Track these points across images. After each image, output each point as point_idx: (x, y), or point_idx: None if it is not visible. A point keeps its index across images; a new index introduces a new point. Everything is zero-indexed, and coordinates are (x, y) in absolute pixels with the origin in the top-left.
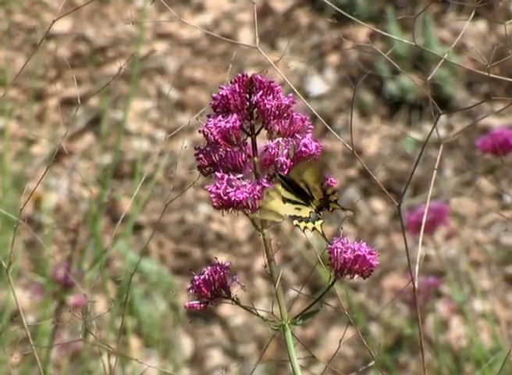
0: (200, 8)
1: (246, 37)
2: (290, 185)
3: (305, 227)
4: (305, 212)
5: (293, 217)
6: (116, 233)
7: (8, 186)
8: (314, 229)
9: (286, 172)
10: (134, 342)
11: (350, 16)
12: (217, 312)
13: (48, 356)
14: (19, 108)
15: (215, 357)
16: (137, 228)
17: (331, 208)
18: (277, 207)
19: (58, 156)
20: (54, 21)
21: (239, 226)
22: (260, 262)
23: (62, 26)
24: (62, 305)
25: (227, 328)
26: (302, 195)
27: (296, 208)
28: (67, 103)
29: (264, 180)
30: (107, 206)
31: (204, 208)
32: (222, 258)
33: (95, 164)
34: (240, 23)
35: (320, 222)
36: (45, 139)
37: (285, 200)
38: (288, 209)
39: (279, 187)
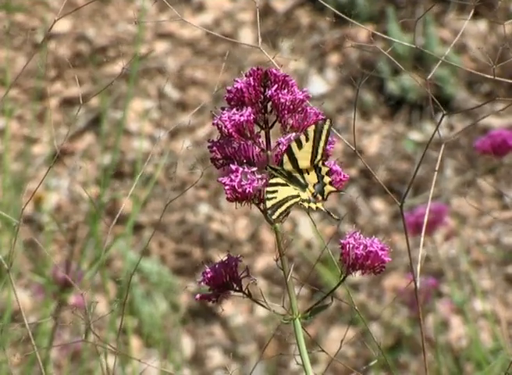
0: (200, 8)
1: (246, 36)
2: (283, 175)
3: (309, 207)
4: (303, 194)
5: (294, 197)
6: (117, 233)
7: (8, 186)
8: (317, 208)
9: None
10: (135, 342)
11: (348, 19)
12: (217, 311)
13: (49, 356)
14: (19, 108)
15: (216, 357)
16: (138, 228)
17: (326, 194)
18: (282, 193)
19: (58, 156)
20: (55, 21)
21: (239, 226)
22: (260, 262)
23: (63, 26)
24: (63, 304)
25: (227, 328)
26: (296, 182)
27: (295, 190)
28: (68, 103)
29: None
30: (107, 206)
31: (205, 209)
32: (223, 258)
33: (96, 164)
34: (241, 22)
35: (320, 203)
36: (46, 139)
37: (283, 185)
38: (290, 191)
39: (278, 180)
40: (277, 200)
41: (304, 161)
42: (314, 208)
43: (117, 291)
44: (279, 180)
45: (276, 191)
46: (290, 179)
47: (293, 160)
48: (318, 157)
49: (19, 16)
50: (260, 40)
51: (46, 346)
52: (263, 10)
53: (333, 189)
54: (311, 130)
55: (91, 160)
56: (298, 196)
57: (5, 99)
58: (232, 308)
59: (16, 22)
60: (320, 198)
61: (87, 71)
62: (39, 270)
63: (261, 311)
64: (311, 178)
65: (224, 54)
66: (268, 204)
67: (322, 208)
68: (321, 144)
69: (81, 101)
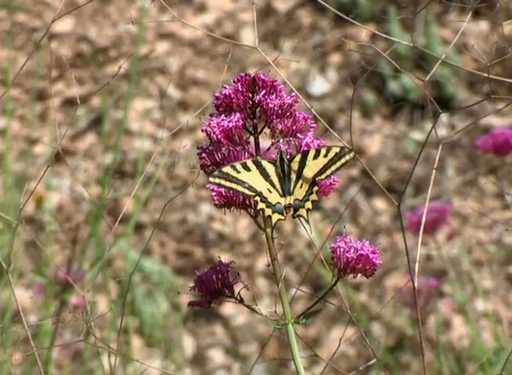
0: (202, 8)
1: (248, 36)
2: (282, 168)
3: (262, 209)
4: (274, 198)
5: (259, 195)
6: (118, 233)
7: (10, 185)
8: (269, 217)
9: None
10: (136, 342)
11: (349, 19)
12: (219, 311)
13: (50, 356)
14: (21, 108)
15: (217, 357)
16: (139, 228)
17: (296, 214)
18: (251, 179)
19: (60, 156)
20: (53, 20)
21: (240, 225)
22: (262, 262)
23: (64, 26)
24: (64, 304)
25: (229, 328)
26: (284, 184)
27: (268, 189)
28: (69, 103)
29: None
30: (109, 206)
31: (206, 208)
32: (224, 258)
33: (97, 164)
34: (242, 22)
35: (280, 216)
36: (47, 139)
37: (265, 174)
38: (261, 185)
39: (266, 161)
40: (236, 176)
41: (309, 171)
42: (266, 215)
43: (118, 290)
44: (268, 168)
45: (249, 170)
46: (280, 178)
47: (303, 164)
48: (322, 176)
49: (20, 16)
50: (257, 40)
51: (47, 346)
52: (264, 10)
53: (303, 215)
54: (334, 150)
55: (93, 160)
56: (259, 194)
57: (7, 99)
58: (233, 308)
59: (18, 22)
60: (291, 212)
61: (88, 71)
62: (40, 270)
63: (262, 310)
64: (298, 192)
65: (225, 54)
66: (224, 169)
67: (273, 221)
68: (333, 167)
69: (79, 102)
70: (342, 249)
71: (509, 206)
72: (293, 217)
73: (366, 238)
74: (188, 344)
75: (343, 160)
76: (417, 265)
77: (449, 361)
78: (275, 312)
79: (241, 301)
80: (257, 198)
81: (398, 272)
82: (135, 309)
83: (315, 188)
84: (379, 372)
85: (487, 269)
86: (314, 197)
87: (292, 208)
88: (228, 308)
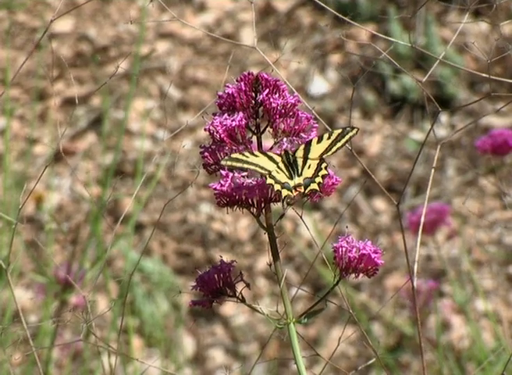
0: (202, 8)
1: (248, 36)
2: (288, 160)
3: (271, 184)
4: (282, 178)
5: (269, 173)
6: (118, 233)
7: (10, 185)
8: (278, 191)
9: None
10: (136, 342)
11: (348, 20)
12: (219, 311)
13: (50, 356)
14: (21, 108)
15: (217, 357)
16: (139, 228)
17: (308, 190)
18: (260, 162)
19: (60, 156)
20: (53, 20)
21: (241, 225)
22: (262, 262)
23: (65, 26)
24: (64, 304)
25: (229, 328)
26: (292, 169)
27: (276, 171)
28: (69, 103)
29: None
30: (109, 206)
31: (206, 208)
32: (225, 258)
33: (97, 164)
34: (242, 22)
35: (288, 192)
36: (47, 139)
37: (272, 160)
38: (269, 165)
39: (272, 153)
40: (246, 159)
41: (314, 153)
42: (276, 189)
43: (118, 290)
44: (274, 157)
45: (257, 156)
46: (287, 165)
47: (307, 150)
48: (329, 153)
49: (20, 16)
50: (256, 40)
51: (47, 346)
52: (264, 10)
53: (316, 188)
54: (336, 132)
55: (93, 160)
56: (269, 172)
57: (6, 99)
58: (233, 308)
59: (18, 22)
60: (301, 190)
61: (88, 71)
62: (40, 270)
63: (264, 310)
64: (307, 172)
65: (225, 53)
66: (233, 155)
67: (282, 195)
68: (338, 144)
69: (76, 102)
70: (344, 249)
71: (509, 206)
72: (303, 196)
73: (366, 238)
74: (188, 344)
75: (347, 137)
76: (415, 265)
77: (449, 361)
78: (277, 311)
79: (243, 300)
80: (266, 174)
81: (398, 272)
82: (135, 309)
83: (324, 164)
84: (379, 372)
85: (487, 269)
86: (323, 172)
87: (302, 187)
88: (228, 308)
